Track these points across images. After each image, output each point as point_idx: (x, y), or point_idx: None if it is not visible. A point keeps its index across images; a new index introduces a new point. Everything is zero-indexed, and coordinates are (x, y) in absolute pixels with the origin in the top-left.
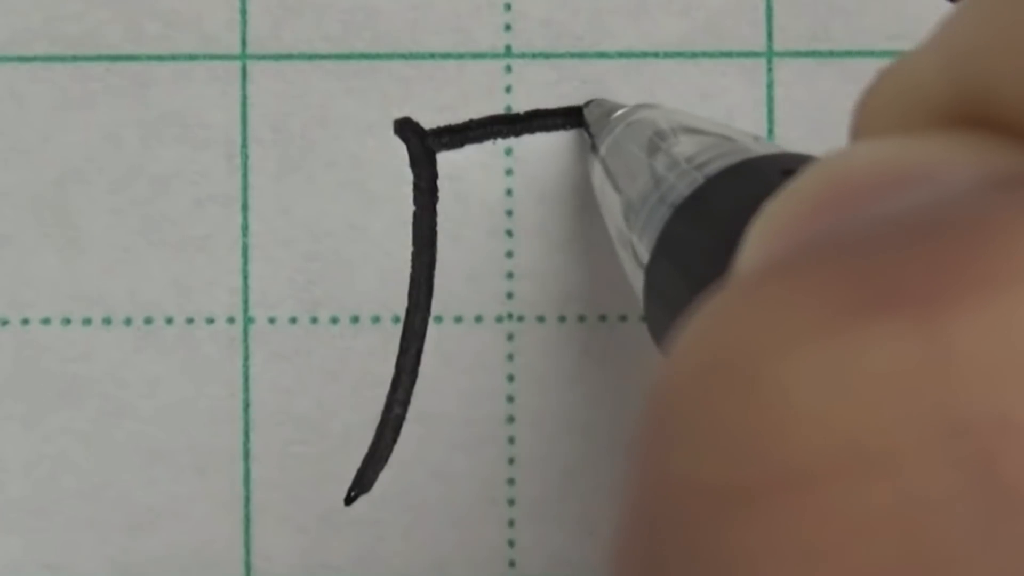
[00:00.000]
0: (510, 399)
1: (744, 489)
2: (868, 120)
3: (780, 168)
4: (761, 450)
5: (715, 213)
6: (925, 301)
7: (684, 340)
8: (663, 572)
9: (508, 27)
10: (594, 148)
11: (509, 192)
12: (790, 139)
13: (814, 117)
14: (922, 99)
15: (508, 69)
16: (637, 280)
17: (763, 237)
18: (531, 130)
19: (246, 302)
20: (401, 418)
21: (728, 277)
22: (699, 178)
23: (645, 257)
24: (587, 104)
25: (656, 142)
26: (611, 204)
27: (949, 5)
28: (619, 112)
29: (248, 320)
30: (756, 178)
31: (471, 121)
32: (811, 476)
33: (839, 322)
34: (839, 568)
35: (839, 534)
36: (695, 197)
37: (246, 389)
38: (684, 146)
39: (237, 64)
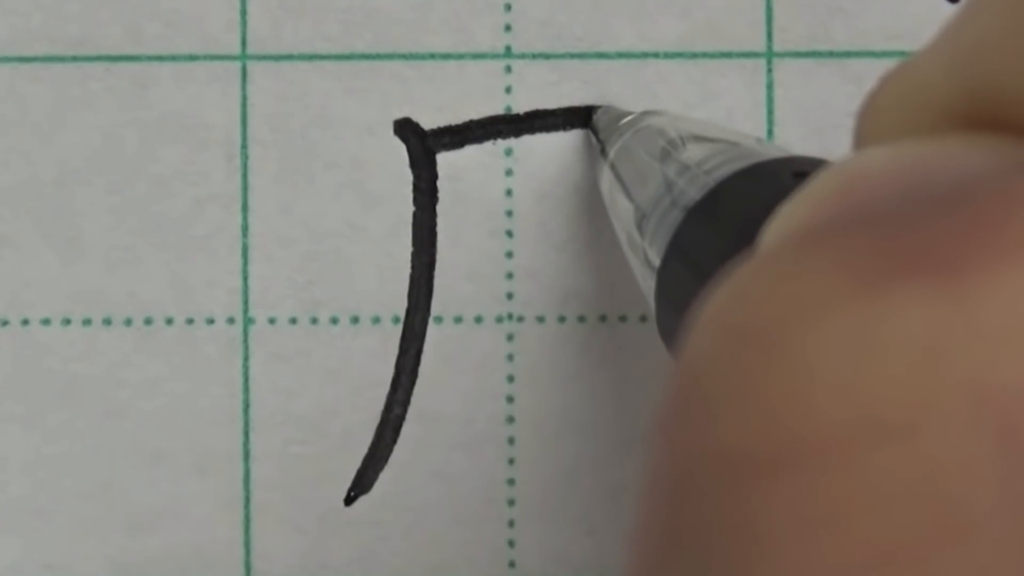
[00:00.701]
0: (510, 399)
1: (768, 457)
2: (873, 124)
3: (792, 171)
4: (785, 418)
5: (728, 215)
6: (949, 268)
7: (708, 310)
8: (686, 541)
9: (508, 27)
10: (603, 154)
11: (509, 192)
12: (790, 140)
13: (814, 118)
14: (928, 101)
15: (508, 69)
16: (648, 284)
17: (781, 235)
18: (531, 130)
19: (246, 302)
20: (401, 418)
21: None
22: (710, 182)
23: (656, 261)
24: (595, 110)
25: (666, 148)
26: (621, 210)
27: (948, 6)
28: (627, 119)
29: (248, 320)
30: (768, 180)
31: (471, 121)
32: (834, 444)
33: (862, 289)
34: (863, 534)
35: (862, 501)
36: (707, 200)
37: (246, 389)
38: (693, 151)
39: (237, 64)
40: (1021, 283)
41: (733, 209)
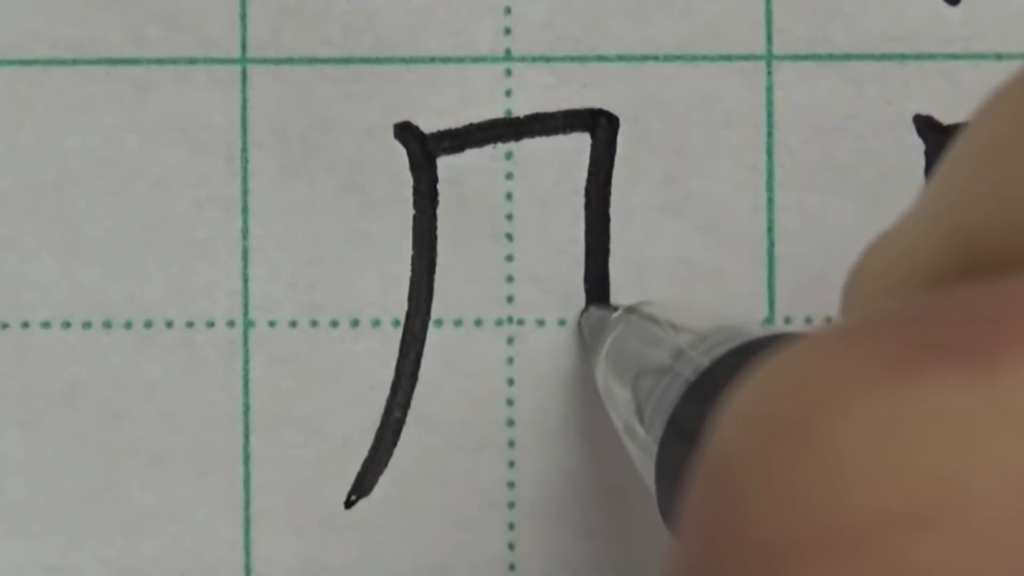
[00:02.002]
0: (510, 402)
1: (799, 545)
2: (861, 292)
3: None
4: (816, 507)
5: (724, 390)
6: (979, 354)
7: (735, 403)
8: None
9: (508, 31)
10: (595, 350)
11: (509, 196)
12: (790, 142)
13: (814, 120)
14: (914, 265)
15: (508, 73)
16: (647, 469)
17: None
18: (531, 134)
19: (246, 306)
20: (401, 422)
21: None
22: (705, 362)
23: (655, 446)
24: (583, 312)
25: (658, 334)
26: (618, 400)
27: (948, 8)
28: (616, 313)
29: (248, 324)
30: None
31: (471, 125)
32: (866, 531)
33: (891, 376)
34: None
35: None
36: (703, 378)
37: (246, 393)
38: (686, 335)
39: (237, 68)
40: None
41: (725, 388)
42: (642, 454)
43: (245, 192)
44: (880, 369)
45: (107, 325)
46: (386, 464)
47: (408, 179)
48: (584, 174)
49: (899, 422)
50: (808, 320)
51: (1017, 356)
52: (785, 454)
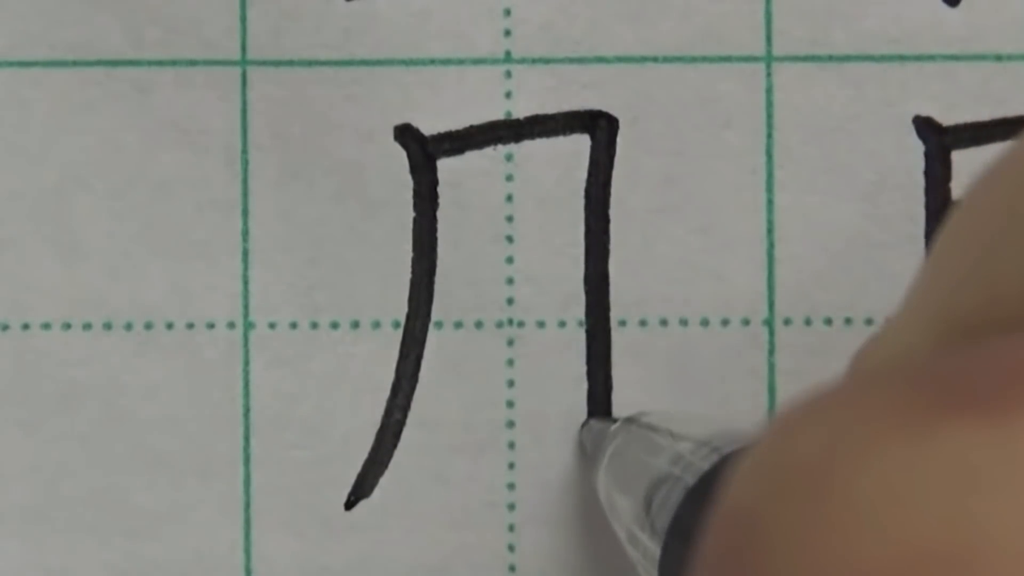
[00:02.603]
0: (510, 404)
1: None
2: None
3: None
4: (837, 557)
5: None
6: (996, 402)
7: (752, 458)
8: None
9: (508, 33)
10: (596, 462)
11: (509, 198)
12: (789, 144)
13: (813, 122)
14: (911, 358)
15: (508, 75)
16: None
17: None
18: (531, 135)
19: (246, 307)
20: (401, 423)
21: None
22: (706, 466)
23: (658, 552)
24: (583, 425)
25: (658, 442)
26: (620, 510)
27: (947, 9)
28: (615, 425)
29: (248, 325)
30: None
31: (471, 127)
32: None
33: (908, 426)
34: None
35: None
36: (704, 481)
37: (246, 394)
38: (686, 443)
39: (237, 70)
40: None
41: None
42: (646, 562)
43: (245, 194)
44: (897, 418)
45: (107, 326)
46: (386, 466)
47: (408, 181)
48: (584, 176)
49: (918, 470)
50: (808, 321)
51: None
52: (803, 503)
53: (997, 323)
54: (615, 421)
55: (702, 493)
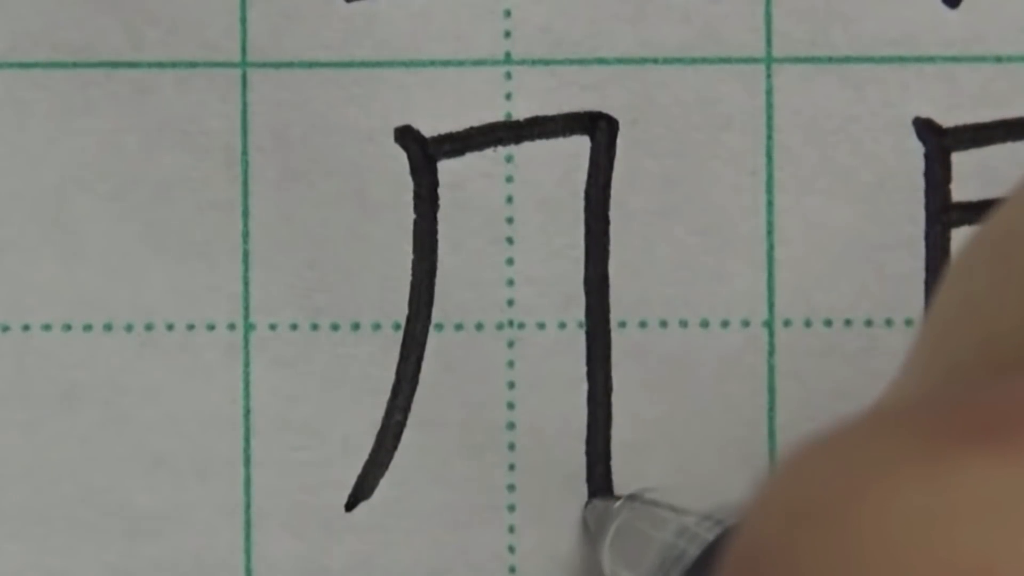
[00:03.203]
0: (511, 406)
1: None
2: None
3: None
4: None
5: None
6: (1010, 435)
7: (768, 492)
8: None
9: (508, 34)
10: (600, 540)
11: (510, 199)
12: (789, 146)
13: (813, 123)
14: (923, 397)
15: (508, 76)
16: None
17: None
18: (531, 137)
19: (247, 309)
20: (402, 425)
21: None
22: (709, 538)
23: None
24: (586, 504)
25: (663, 516)
26: None
27: (947, 11)
28: (619, 503)
29: (249, 327)
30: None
31: (471, 128)
32: None
33: (923, 458)
34: None
35: None
36: (708, 552)
37: (247, 395)
38: (691, 516)
39: (237, 72)
40: None
41: None
42: None
43: (246, 195)
44: (912, 453)
45: (108, 328)
46: (387, 467)
47: (408, 183)
48: (584, 177)
49: (934, 506)
50: (807, 323)
51: None
52: (820, 541)
53: (993, 364)
54: (618, 499)
55: (706, 562)
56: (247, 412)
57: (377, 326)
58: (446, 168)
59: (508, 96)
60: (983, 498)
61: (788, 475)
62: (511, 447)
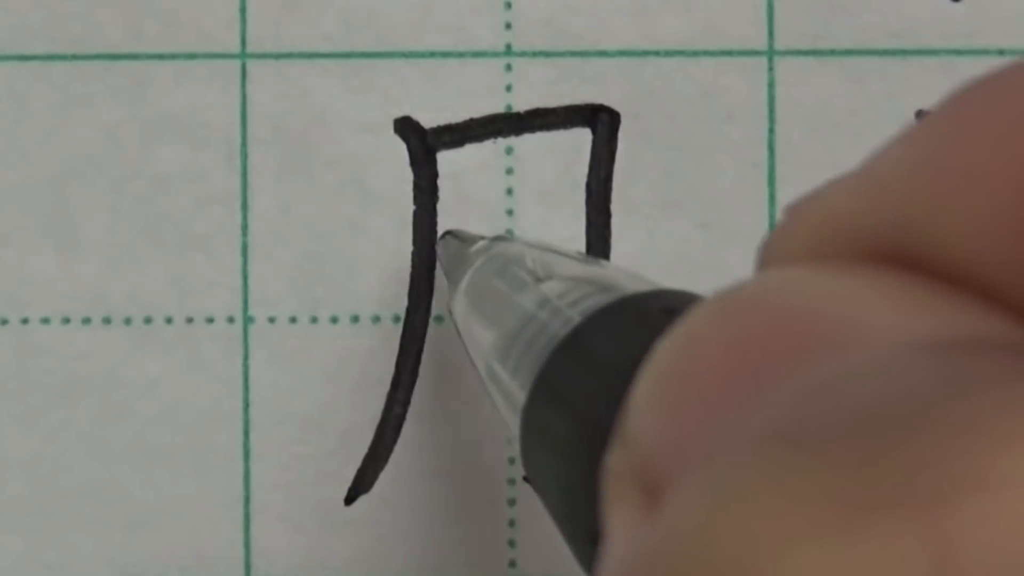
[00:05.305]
0: None
1: None
2: (778, 252)
3: (661, 307)
4: None
5: (597, 353)
6: (925, 503)
7: (666, 545)
8: None
9: (508, 26)
10: (454, 284)
11: (509, 191)
12: (791, 138)
13: (815, 116)
14: (841, 232)
15: (508, 68)
16: (512, 419)
17: (659, 395)
18: (532, 129)
19: (246, 301)
20: (401, 418)
21: (619, 428)
22: (574, 316)
23: (520, 395)
24: (442, 237)
25: (523, 278)
26: (479, 341)
27: (950, 4)
28: (477, 245)
29: (248, 320)
30: (636, 317)
31: (471, 120)
32: None
33: (833, 526)
34: None
35: None
36: (573, 338)
37: (246, 389)
38: (552, 282)
39: (237, 63)
40: (994, 520)
41: (601, 348)
42: (505, 404)
43: (245, 187)
44: (819, 515)
45: (107, 321)
46: (386, 460)
47: (408, 174)
48: (585, 169)
49: (844, 573)
50: None
51: (959, 509)
52: None
53: (928, 237)
54: (477, 240)
55: (570, 350)
56: (246, 405)
57: (377, 319)
58: (446, 159)
59: (508, 88)
60: (888, 571)
61: (691, 524)
62: (510, 441)
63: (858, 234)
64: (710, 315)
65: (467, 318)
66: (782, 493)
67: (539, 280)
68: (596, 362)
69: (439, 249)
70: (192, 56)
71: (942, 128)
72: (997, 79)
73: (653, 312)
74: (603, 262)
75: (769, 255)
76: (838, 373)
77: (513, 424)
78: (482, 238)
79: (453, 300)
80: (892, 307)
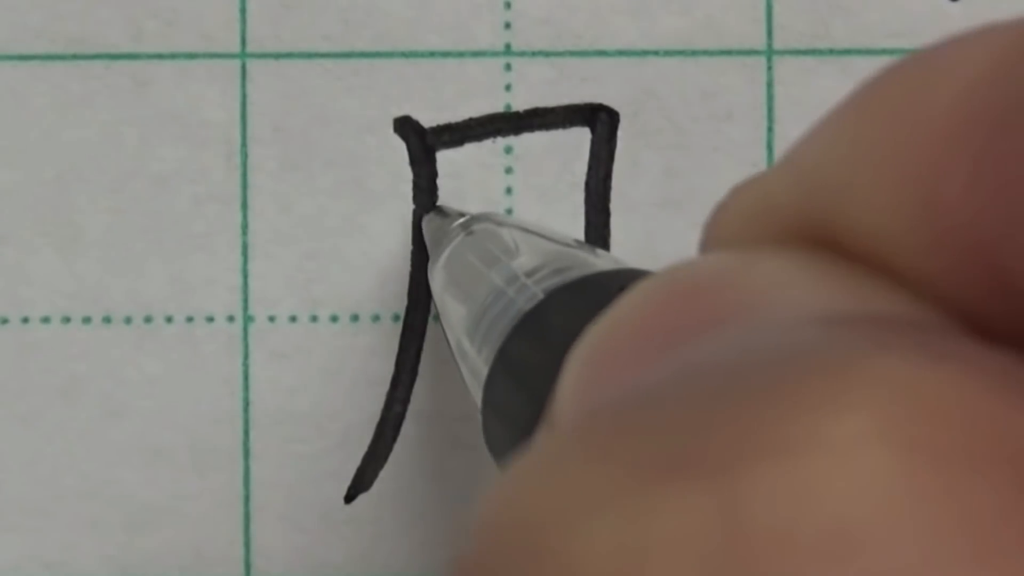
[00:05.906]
0: None
1: None
2: (717, 234)
3: (618, 285)
4: None
5: (554, 330)
6: (717, 469)
7: (482, 509)
8: None
9: (508, 25)
10: (434, 257)
11: (509, 190)
12: (790, 137)
13: (814, 115)
14: (771, 215)
15: (508, 67)
16: (477, 394)
17: (579, 375)
18: (531, 128)
19: (246, 300)
20: (401, 416)
21: (545, 418)
22: (539, 293)
23: (483, 371)
24: (425, 215)
25: (496, 254)
26: (452, 315)
27: (949, 4)
28: (459, 221)
29: (248, 319)
30: (596, 295)
31: (471, 119)
32: None
33: (627, 491)
34: None
35: None
36: (534, 313)
37: (246, 388)
38: (524, 259)
39: (237, 63)
40: (786, 487)
41: (558, 324)
42: (472, 379)
43: (245, 187)
44: (616, 484)
45: (107, 320)
46: (386, 459)
47: (408, 173)
48: (584, 169)
49: (632, 543)
50: None
51: (752, 476)
52: (519, 566)
53: (861, 194)
54: (459, 217)
55: (530, 325)
56: (246, 404)
57: (376, 317)
58: (445, 159)
59: (508, 87)
60: (680, 535)
61: (504, 489)
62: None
63: (786, 218)
64: (634, 298)
65: (443, 293)
66: (587, 459)
67: (512, 257)
68: (552, 339)
69: (424, 225)
70: (192, 56)
71: (849, 116)
72: (902, 65)
73: (612, 290)
74: (597, 250)
75: (709, 237)
76: (706, 346)
77: (478, 398)
78: (464, 214)
79: (431, 274)
80: (798, 287)
